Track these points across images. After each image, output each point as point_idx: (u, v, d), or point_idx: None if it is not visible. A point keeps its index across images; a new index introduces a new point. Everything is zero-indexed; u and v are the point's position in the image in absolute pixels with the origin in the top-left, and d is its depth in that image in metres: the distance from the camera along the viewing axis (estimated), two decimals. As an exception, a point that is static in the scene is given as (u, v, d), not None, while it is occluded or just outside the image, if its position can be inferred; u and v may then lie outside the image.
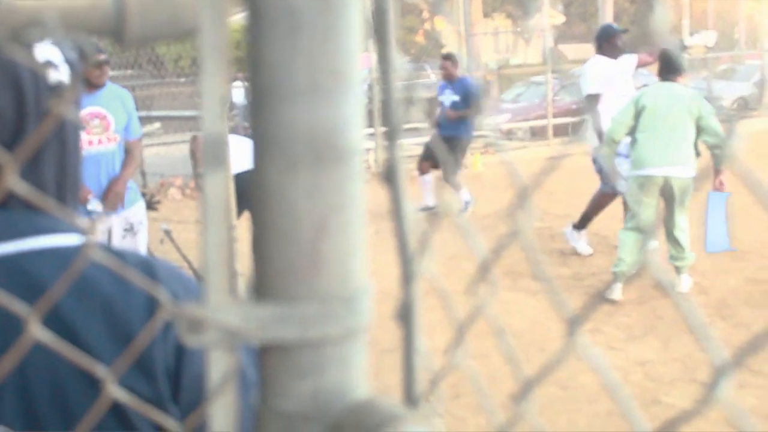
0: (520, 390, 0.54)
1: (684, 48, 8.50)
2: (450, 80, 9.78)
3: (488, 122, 15.68)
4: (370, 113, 12.31)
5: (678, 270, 6.06)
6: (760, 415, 4.09)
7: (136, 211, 5.01)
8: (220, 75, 0.50)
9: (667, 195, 5.95)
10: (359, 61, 0.50)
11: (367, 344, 0.51)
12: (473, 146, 13.37)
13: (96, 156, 4.78)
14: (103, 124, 4.89)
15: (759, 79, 18.22)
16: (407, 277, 0.54)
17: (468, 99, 9.33)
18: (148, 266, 0.96)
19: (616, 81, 7.13)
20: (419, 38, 28.01)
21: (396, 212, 0.55)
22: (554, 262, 6.90)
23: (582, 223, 7.29)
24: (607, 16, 22.32)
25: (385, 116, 0.57)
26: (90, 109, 4.84)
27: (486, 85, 21.11)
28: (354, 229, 0.50)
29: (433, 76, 19.26)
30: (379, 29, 0.55)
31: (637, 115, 5.99)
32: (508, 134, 15.58)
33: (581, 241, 7.25)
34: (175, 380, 0.91)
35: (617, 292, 5.91)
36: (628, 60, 7.37)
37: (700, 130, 5.87)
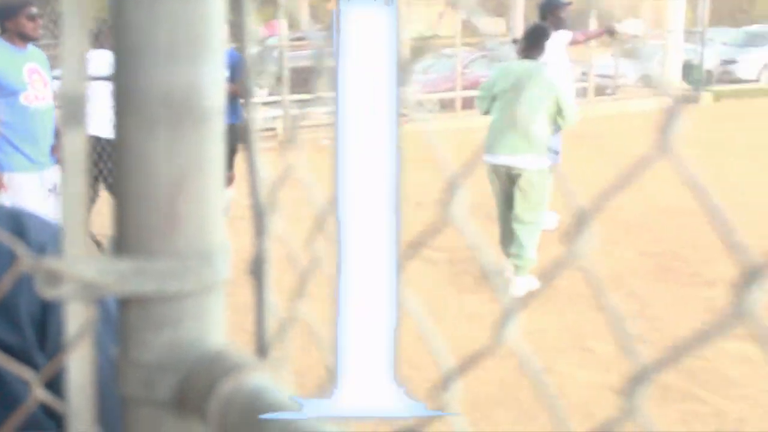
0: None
1: (613, 33, 8.52)
2: None
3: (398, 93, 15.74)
4: (278, 80, 12.21)
5: (515, 270, 5.60)
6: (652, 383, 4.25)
7: (54, 171, 4.96)
8: (81, 35, 0.51)
9: (511, 185, 5.55)
10: (220, 26, 0.52)
11: (224, 298, 0.54)
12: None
13: (43, 111, 4.82)
14: (42, 80, 4.88)
15: (661, 59, 18.69)
16: (258, 232, 0.56)
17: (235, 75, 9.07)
18: (15, 218, 0.95)
19: (557, 54, 7.11)
20: (332, 5, 27.82)
21: (250, 172, 0.58)
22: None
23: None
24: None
25: (242, 86, 0.58)
26: (28, 65, 4.79)
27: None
28: (211, 189, 0.52)
29: (344, 44, 19.16)
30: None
31: (493, 95, 5.54)
32: (418, 106, 15.61)
33: (550, 219, 7.16)
34: (41, 329, 0.90)
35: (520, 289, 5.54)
36: (562, 36, 7.30)
37: (555, 113, 5.45)
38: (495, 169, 5.52)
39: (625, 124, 12.99)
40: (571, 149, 7.34)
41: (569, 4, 7.43)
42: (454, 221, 0.48)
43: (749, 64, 22.10)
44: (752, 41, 22.96)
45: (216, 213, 0.53)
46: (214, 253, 0.52)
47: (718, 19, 26.09)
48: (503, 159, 5.41)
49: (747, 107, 16.82)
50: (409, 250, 0.52)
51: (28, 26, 4.79)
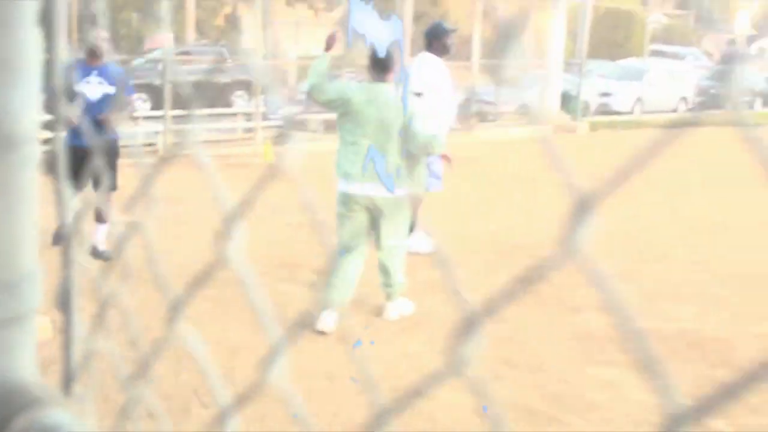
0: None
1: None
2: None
3: (282, 112, 15.70)
4: (161, 96, 12.02)
5: (387, 296, 5.57)
6: (519, 407, 4.34)
7: None
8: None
9: (373, 214, 5.30)
10: (34, 51, 0.51)
11: (33, 329, 0.52)
12: (266, 135, 13.35)
13: None
14: None
15: (543, 88, 19.24)
16: (65, 264, 0.56)
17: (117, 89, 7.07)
18: None
19: (443, 80, 7.22)
20: (219, 21, 27.57)
21: (58, 201, 0.57)
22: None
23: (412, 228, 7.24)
24: (406, 16, 22.84)
25: (48, 105, 0.58)
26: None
27: (283, 74, 21.08)
28: (20, 216, 0.50)
29: (230, 61, 19.02)
30: (47, 18, 0.56)
31: (342, 116, 5.30)
32: (302, 125, 15.64)
33: (419, 243, 7.11)
34: None
35: (325, 324, 5.19)
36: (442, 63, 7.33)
37: (406, 138, 5.21)
38: (349, 198, 5.26)
39: (506, 150, 13.29)
40: (453, 173, 7.45)
41: (454, 31, 7.53)
42: (229, 261, 0.49)
43: (624, 96, 22.97)
44: (627, 75, 23.87)
45: (25, 241, 0.51)
46: (20, 282, 0.51)
47: (596, 52, 27.03)
48: (359, 187, 5.19)
49: (621, 138, 17.46)
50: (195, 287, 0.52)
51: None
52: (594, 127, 18.71)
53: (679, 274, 7.05)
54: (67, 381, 0.55)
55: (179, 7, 22.23)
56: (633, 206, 10.15)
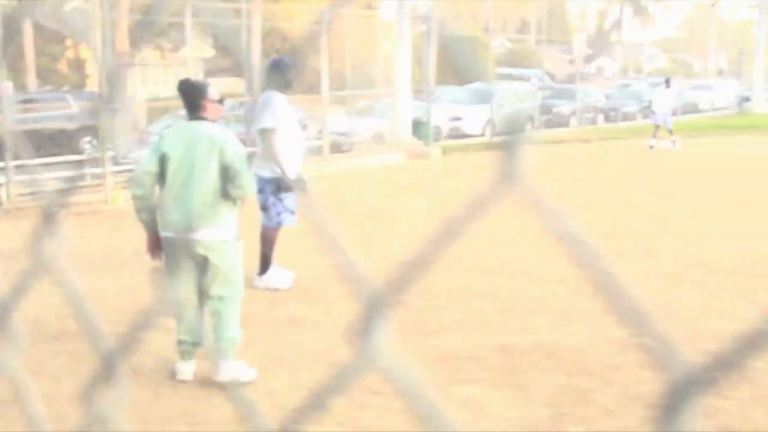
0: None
1: None
2: None
3: (132, 155, 15.38)
4: (1, 146, 11.59)
5: (218, 353, 4.95)
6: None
7: None
8: None
9: (200, 260, 4.85)
10: None
11: None
12: (116, 180, 13.04)
13: None
14: None
15: (393, 116, 19.54)
16: None
17: None
18: None
19: (286, 116, 7.17)
20: (62, 67, 26.84)
21: None
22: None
23: (264, 266, 7.16)
24: (254, 52, 22.82)
25: None
26: None
27: (133, 117, 20.69)
28: None
29: (75, 106, 18.52)
30: None
31: (161, 162, 4.89)
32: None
33: (277, 278, 7.10)
34: None
35: (183, 371, 5.01)
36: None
37: (227, 178, 4.81)
38: (175, 246, 4.84)
39: (360, 180, 13.40)
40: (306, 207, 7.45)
41: (295, 65, 7.53)
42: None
43: (474, 120, 23.60)
44: (475, 98, 24.55)
45: None
46: None
47: (444, 78, 27.68)
48: (186, 234, 4.66)
49: (473, 160, 17.91)
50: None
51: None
52: (446, 151, 19.12)
53: (534, 288, 7.25)
54: None
55: (18, 55, 21.52)
56: (484, 224, 10.42)
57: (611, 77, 37.81)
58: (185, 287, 4.85)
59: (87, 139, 17.10)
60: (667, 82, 20.65)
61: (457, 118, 23.31)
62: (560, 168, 17.01)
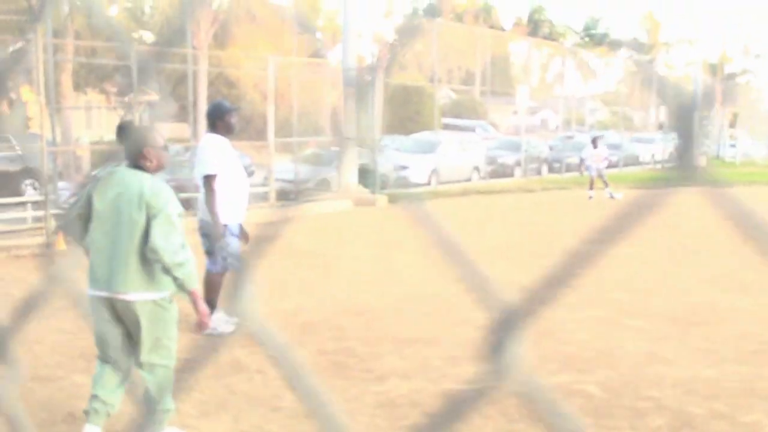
0: None
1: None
2: None
3: (73, 200, 15.19)
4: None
5: (156, 424, 4.42)
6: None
7: None
8: None
9: (130, 322, 4.45)
10: None
11: None
12: (59, 224, 12.87)
13: None
14: None
15: (339, 164, 19.62)
16: None
17: None
18: None
19: (232, 159, 7.13)
20: (4, 108, 26.48)
21: None
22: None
23: (211, 308, 7.04)
24: (200, 97, 22.80)
25: None
26: None
27: (78, 160, 20.47)
28: None
29: (18, 148, 18.28)
30: None
31: (89, 213, 4.46)
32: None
33: (221, 323, 6.91)
34: None
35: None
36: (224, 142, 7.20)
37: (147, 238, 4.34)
38: (101, 305, 4.42)
39: (309, 226, 13.36)
40: (255, 252, 7.41)
41: (236, 109, 7.51)
42: None
43: (420, 168, 23.78)
44: (421, 148, 24.77)
45: None
46: None
47: (391, 127, 27.90)
48: (112, 293, 4.39)
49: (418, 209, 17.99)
50: None
51: None
52: (393, 199, 19.21)
53: (478, 335, 7.27)
54: None
55: (-41, 96, 21.20)
56: (431, 271, 10.47)
57: (555, 129, 38.42)
58: (113, 346, 4.48)
59: (28, 181, 16.87)
60: (594, 142, 20.90)
61: (404, 167, 23.48)
62: (504, 217, 17.19)
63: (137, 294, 4.37)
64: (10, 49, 24.28)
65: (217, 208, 6.91)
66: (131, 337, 4.47)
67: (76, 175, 18.76)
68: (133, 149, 4.45)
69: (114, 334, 4.44)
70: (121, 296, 4.36)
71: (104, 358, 4.55)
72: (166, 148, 4.63)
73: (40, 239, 11.76)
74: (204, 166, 7.09)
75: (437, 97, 29.17)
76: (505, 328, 0.45)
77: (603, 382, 5.92)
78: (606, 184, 20.41)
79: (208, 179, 7.01)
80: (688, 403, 5.49)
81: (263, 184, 17.46)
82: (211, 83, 27.42)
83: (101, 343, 4.53)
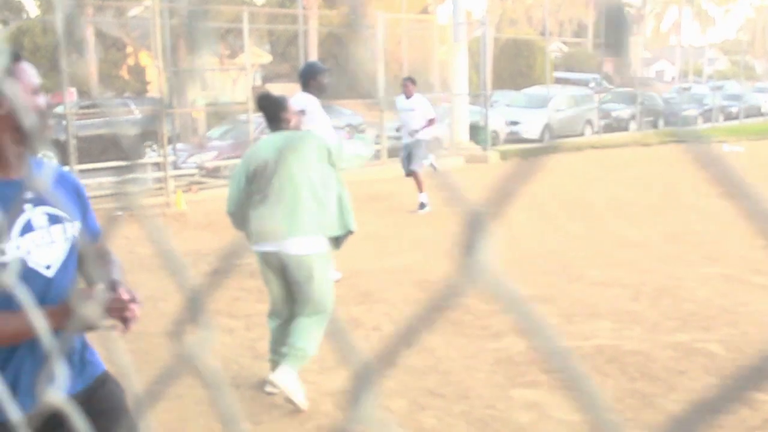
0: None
1: None
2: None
3: (194, 160, 15.56)
4: (66, 151, 11.81)
5: (284, 358, 4.73)
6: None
7: None
8: None
9: (287, 275, 4.86)
10: None
11: None
12: (177, 184, 13.23)
13: None
14: None
15: (450, 121, 19.50)
16: None
17: None
18: None
19: (320, 120, 7.13)
20: (123, 73, 27.29)
21: None
22: (252, 299, 6.94)
23: None
24: (310, 57, 22.97)
25: None
26: None
27: (195, 122, 20.95)
28: None
29: (137, 112, 18.82)
30: None
31: (250, 178, 4.85)
32: (214, 172, 15.53)
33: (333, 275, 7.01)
34: None
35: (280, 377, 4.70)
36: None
37: (333, 162, 4.92)
38: (270, 260, 4.84)
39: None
40: (363, 209, 7.49)
41: (329, 70, 7.50)
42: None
43: (531, 124, 23.45)
44: (533, 103, 24.41)
45: None
46: None
47: (501, 82, 27.57)
48: (281, 248, 4.73)
49: (531, 165, 17.77)
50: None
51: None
52: (504, 155, 19.02)
53: (595, 291, 7.17)
54: None
55: (81, 61, 21.93)
56: (546, 228, 10.34)
57: (671, 81, 37.27)
58: (279, 301, 4.91)
59: (148, 143, 17.38)
60: None
61: (515, 123, 23.18)
62: (619, 172, 16.82)
63: (306, 247, 4.70)
64: (129, 14, 24.94)
65: None
66: (295, 289, 4.88)
67: (193, 136, 19.22)
68: (274, 115, 4.98)
69: (282, 287, 4.88)
70: (291, 250, 4.70)
71: (277, 313, 4.95)
72: (303, 112, 5.37)
73: (161, 199, 12.12)
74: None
75: (548, 50, 28.63)
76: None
77: (726, 340, 5.75)
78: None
79: None
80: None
81: (376, 143, 17.53)
82: (320, 43, 27.60)
83: (270, 294, 4.95)
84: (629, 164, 18.38)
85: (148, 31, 14.93)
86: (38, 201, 2.17)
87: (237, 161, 15.79)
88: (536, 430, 4.45)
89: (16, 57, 2.08)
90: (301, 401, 4.64)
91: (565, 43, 39.54)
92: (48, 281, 2.18)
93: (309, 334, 4.73)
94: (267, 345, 5.14)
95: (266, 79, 29.77)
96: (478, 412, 4.68)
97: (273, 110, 4.97)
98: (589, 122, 25.54)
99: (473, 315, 6.43)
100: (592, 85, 31.66)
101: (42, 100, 2.15)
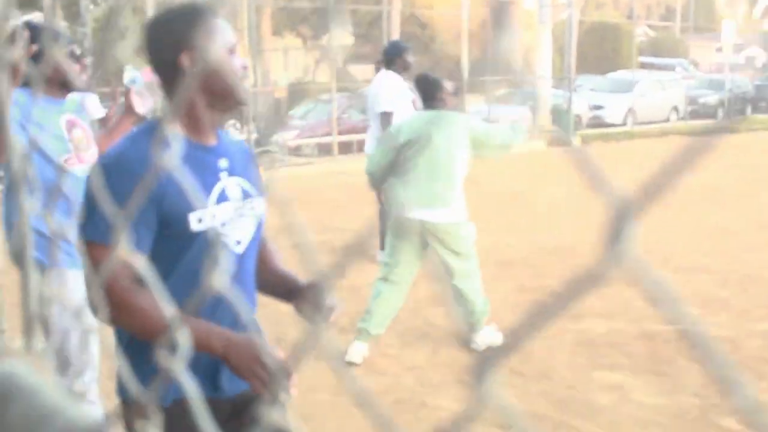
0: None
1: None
2: None
3: (276, 138, 15.75)
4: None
5: (471, 327, 5.24)
6: (528, 414, 4.32)
7: None
8: None
9: (433, 242, 5.14)
10: None
11: None
12: (261, 162, 13.41)
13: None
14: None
15: (533, 104, 19.32)
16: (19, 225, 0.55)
17: None
18: None
19: (406, 98, 7.09)
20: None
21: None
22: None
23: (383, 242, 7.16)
24: (393, 38, 22.96)
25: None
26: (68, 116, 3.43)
27: (277, 102, 21.16)
28: None
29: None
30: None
31: (398, 148, 5.13)
32: (296, 150, 15.68)
33: None
34: None
35: (356, 354, 5.06)
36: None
37: (479, 149, 5.16)
38: (405, 224, 5.14)
39: (502, 166, 13.27)
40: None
41: (412, 48, 7.44)
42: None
43: (615, 109, 23.05)
44: (617, 87, 23.98)
45: None
46: None
47: (585, 66, 27.15)
48: (420, 214, 5.05)
49: (614, 150, 17.51)
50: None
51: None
52: (586, 140, 18.76)
53: (681, 277, 7.04)
54: (27, 335, 0.54)
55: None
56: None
57: (761, 67, 36.24)
58: (403, 266, 5.15)
59: (231, 121, 17.62)
60: None
61: (598, 107, 22.82)
62: (709, 159, 16.40)
63: (442, 216, 5.04)
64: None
65: None
66: (437, 253, 5.14)
67: (275, 115, 19.42)
68: (431, 94, 5.25)
69: (412, 249, 5.17)
70: (428, 218, 5.03)
71: (385, 276, 5.19)
72: (456, 92, 5.56)
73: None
74: (379, 103, 7.11)
75: (634, 34, 28.06)
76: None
77: (818, 330, 5.59)
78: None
79: (384, 116, 7.01)
80: None
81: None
82: (403, 24, 27.54)
83: (399, 261, 5.18)
84: (717, 151, 17.91)
85: (234, 9, 15.12)
86: (232, 170, 2.07)
87: (318, 139, 15.98)
88: (616, 412, 4.40)
89: (212, 13, 1.96)
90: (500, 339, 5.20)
91: (651, 27, 38.74)
92: (238, 258, 2.08)
93: (475, 294, 5.15)
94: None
95: (348, 60, 29.84)
96: (559, 392, 4.64)
97: (431, 90, 5.25)
98: (675, 108, 24.98)
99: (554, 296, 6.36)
100: (678, 70, 30.95)
101: (239, 61, 2.03)
